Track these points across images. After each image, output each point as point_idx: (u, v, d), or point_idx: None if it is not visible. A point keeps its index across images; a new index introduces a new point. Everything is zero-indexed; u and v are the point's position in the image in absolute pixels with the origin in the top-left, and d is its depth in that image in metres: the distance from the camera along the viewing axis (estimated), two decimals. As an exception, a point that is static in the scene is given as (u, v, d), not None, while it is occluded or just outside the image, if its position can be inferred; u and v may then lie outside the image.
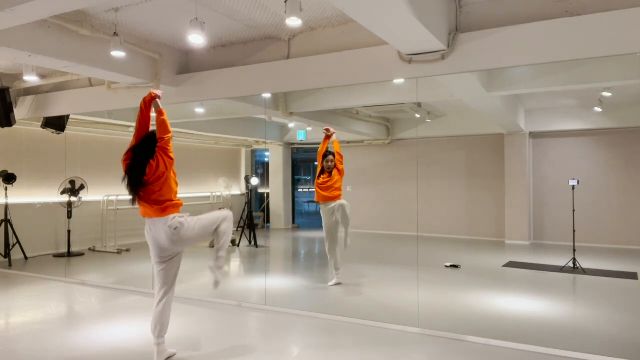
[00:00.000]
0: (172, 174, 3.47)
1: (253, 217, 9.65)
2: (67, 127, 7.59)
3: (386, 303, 5.23)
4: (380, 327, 4.29)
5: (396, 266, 7.52)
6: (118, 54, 4.65)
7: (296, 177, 13.57)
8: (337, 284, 5.80)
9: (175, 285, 3.55)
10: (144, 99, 3.62)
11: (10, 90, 6.91)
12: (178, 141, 10.78)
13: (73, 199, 8.34)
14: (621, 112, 8.97)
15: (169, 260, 3.48)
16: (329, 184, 5.80)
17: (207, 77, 5.62)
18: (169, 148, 3.45)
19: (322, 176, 5.87)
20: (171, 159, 3.44)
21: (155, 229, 3.37)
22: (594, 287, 6.07)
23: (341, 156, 5.90)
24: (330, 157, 5.88)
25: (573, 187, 6.92)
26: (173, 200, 3.43)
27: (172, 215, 3.37)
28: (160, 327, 3.43)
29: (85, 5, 3.56)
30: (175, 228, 3.32)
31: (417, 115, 10.43)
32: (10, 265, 7.41)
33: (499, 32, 3.96)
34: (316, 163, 6.05)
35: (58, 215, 8.50)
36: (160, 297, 3.46)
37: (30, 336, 4.10)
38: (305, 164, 13.68)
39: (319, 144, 6.09)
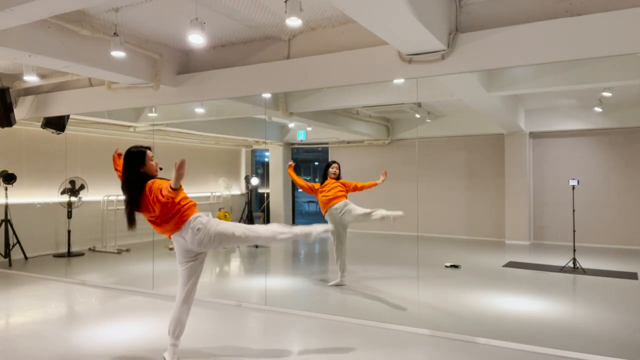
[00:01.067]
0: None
1: (253, 217, 9.65)
2: (67, 127, 7.59)
3: (386, 303, 5.23)
4: (380, 327, 4.29)
5: (396, 266, 7.52)
6: (118, 54, 4.65)
7: (296, 177, 13.56)
8: (340, 285, 5.77)
9: (197, 286, 3.48)
10: (112, 156, 3.49)
11: (10, 90, 6.91)
12: (178, 141, 10.78)
13: (73, 199, 8.34)
14: (621, 112, 8.97)
15: (193, 260, 3.41)
16: (333, 185, 5.75)
17: (207, 77, 5.62)
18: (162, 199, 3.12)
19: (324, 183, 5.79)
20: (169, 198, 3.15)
21: (181, 236, 3.29)
22: (594, 287, 6.07)
23: (361, 188, 5.87)
24: (335, 164, 5.84)
25: (573, 187, 6.92)
26: (184, 205, 3.29)
27: (193, 216, 3.27)
28: (180, 328, 3.40)
29: (85, 5, 3.56)
30: (198, 229, 3.22)
31: (417, 115, 10.43)
32: (10, 265, 7.41)
33: (499, 32, 3.96)
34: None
35: (58, 215, 8.50)
36: (181, 297, 3.40)
37: (30, 336, 4.10)
38: (305, 164, 13.67)
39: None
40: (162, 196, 3.05)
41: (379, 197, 11.74)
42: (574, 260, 6.91)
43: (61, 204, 8.35)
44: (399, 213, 5.15)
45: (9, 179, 7.63)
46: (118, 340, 3.96)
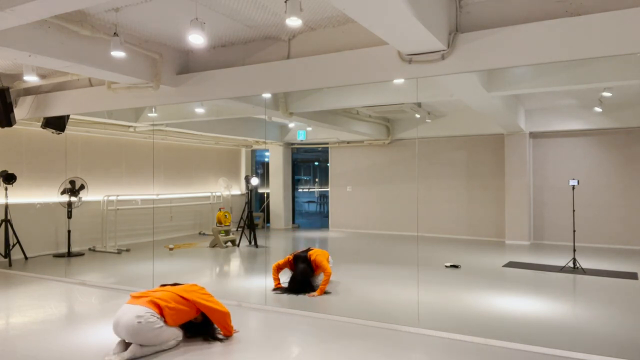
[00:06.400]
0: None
1: (253, 217, 9.66)
2: (67, 127, 7.59)
3: (386, 303, 5.23)
4: (380, 327, 4.29)
5: (396, 266, 7.52)
6: (118, 54, 4.65)
7: (296, 177, 13.57)
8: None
9: None
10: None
11: (10, 90, 6.91)
12: (178, 141, 10.79)
13: (73, 199, 8.34)
14: (621, 112, 8.98)
15: None
16: None
17: (207, 77, 5.62)
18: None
19: None
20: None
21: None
22: (594, 287, 6.07)
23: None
24: None
25: (573, 187, 6.92)
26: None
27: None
28: None
29: (85, 5, 3.55)
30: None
31: (417, 115, 10.44)
32: (10, 265, 7.41)
33: (499, 32, 3.96)
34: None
35: (58, 215, 8.50)
36: None
37: (30, 336, 4.10)
38: (305, 164, 13.68)
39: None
40: None
41: (379, 198, 11.77)
42: (574, 260, 6.91)
43: (61, 204, 8.35)
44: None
45: (9, 179, 7.63)
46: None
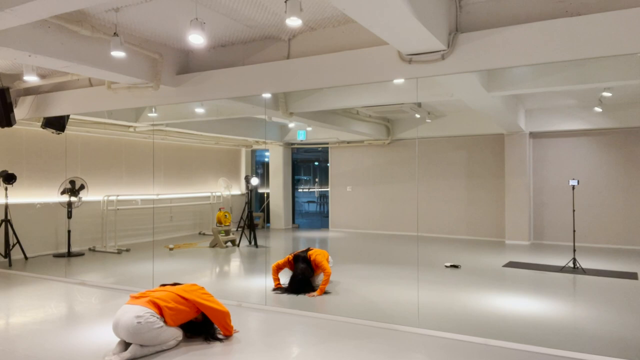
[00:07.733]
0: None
1: (253, 217, 9.66)
2: (67, 127, 7.59)
3: (386, 303, 5.23)
4: (380, 327, 4.29)
5: (396, 266, 7.52)
6: (118, 54, 4.65)
7: (296, 177, 13.57)
8: None
9: None
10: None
11: (10, 90, 6.91)
12: (178, 141, 10.79)
13: (73, 199, 8.34)
14: (621, 112, 8.98)
15: None
16: None
17: (207, 77, 5.62)
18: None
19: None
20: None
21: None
22: (594, 287, 6.07)
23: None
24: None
25: (573, 187, 6.93)
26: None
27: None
28: None
29: (85, 5, 3.55)
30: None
31: (417, 115, 10.44)
32: (10, 265, 7.41)
33: (499, 32, 3.96)
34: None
35: (58, 215, 8.50)
36: None
37: (30, 336, 4.10)
38: (305, 164, 13.68)
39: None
40: None
41: (379, 198, 11.77)
42: (574, 260, 6.91)
43: (61, 204, 8.35)
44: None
45: (9, 179, 7.63)
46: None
